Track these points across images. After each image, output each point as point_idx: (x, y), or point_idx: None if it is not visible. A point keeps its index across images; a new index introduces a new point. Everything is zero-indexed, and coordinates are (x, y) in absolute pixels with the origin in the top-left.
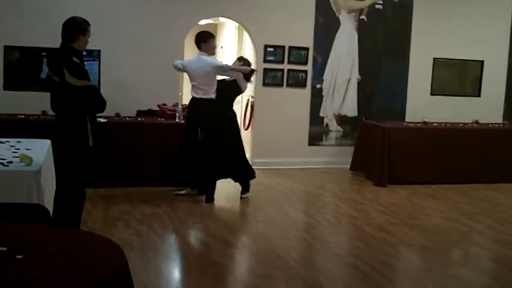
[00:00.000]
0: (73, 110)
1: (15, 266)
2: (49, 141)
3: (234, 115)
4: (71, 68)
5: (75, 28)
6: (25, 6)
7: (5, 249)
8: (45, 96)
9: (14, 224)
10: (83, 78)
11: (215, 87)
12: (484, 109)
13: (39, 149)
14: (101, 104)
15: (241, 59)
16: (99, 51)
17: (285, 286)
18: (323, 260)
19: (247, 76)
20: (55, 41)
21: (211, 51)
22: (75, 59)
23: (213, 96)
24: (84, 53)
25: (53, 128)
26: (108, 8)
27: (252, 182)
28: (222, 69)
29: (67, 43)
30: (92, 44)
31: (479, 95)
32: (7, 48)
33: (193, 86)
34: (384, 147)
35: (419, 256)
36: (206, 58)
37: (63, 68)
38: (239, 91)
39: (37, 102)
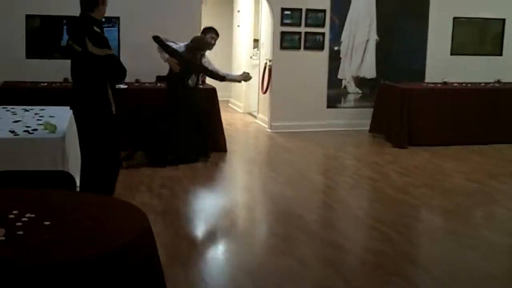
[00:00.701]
0: (95, 79)
1: (44, 233)
2: (69, 108)
3: None
4: (93, 37)
5: None
6: None
7: (33, 215)
8: (67, 64)
9: (41, 190)
10: (104, 47)
11: None
12: (506, 68)
13: (62, 117)
14: (122, 72)
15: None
16: (118, 18)
17: (305, 247)
18: (343, 221)
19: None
20: (75, 9)
21: None
22: (96, 29)
23: None
24: (103, 20)
25: (73, 97)
26: None
27: (271, 144)
28: None
29: (87, 12)
30: (111, 11)
31: (500, 54)
32: (28, 17)
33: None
34: (403, 108)
35: (440, 218)
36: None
37: (85, 37)
38: None
39: (59, 70)
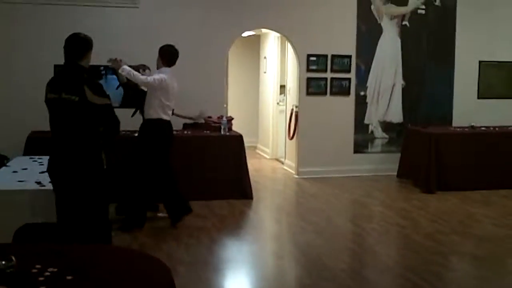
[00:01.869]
0: (90, 131)
1: (66, 287)
2: None
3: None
4: (93, 85)
5: (84, 44)
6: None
7: (55, 270)
8: None
9: (64, 244)
10: (104, 96)
11: None
12: None
13: None
14: (117, 124)
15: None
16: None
17: None
18: (371, 270)
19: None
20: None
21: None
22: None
23: None
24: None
25: (57, 154)
26: (152, 22)
27: (298, 191)
28: None
29: (75, 61)
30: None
31: None
32: (56, 67)
33: (166, 106)
34: (431, 152)
35: (470, 266)
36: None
37: (84, 86)
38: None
39: None
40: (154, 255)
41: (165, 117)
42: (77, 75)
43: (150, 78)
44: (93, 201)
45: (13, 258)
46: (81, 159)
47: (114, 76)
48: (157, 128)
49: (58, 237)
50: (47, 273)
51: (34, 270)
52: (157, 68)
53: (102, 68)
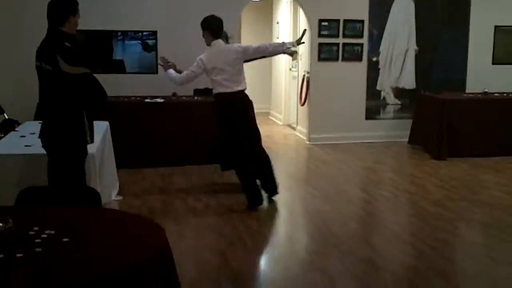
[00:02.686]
0: (68, 103)
1: (61, 249)
2: (107, 123)
3: None
4: (65, 54)
5: (65, 8)
6: None
7: (53, 232)
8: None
9: (63, 207)
10: (79, 65)
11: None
12: None
13: (97, 132)
14: (101, 94)
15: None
16: (155, 31)
17: (339, 263)
18: (378, 237)
19: None
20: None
21: (226, 38)
22: (68, 44)
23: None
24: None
25: (42, 126)
26: None
27: (309, 157)
28: (250, 49)
29: (56, 27)
30: (149, 25)
31: None
32: None
33: (223, 80)
34: (442, 119)
35: (478, 233)
36: (229, 45)
37: (56, 54)
38: None
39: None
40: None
41: (220, 90)
42: (54, 43)
43: (186, 73)
44: (72, 169)
45: (10, 220)
46: (61, 132)
47: (134, 42)
48: (218, 103)
49: (57, 200)
50: (44, 235)
51: (32, 232)
52: (207, 44)
53: (119, 33)
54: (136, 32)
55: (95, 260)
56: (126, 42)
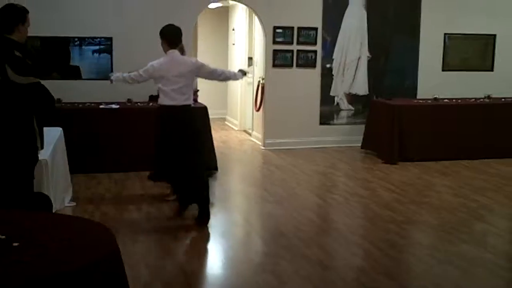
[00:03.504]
0: (18, 112)
1: (11, 253)
2: (60, 129)
3: None
4: (14, 63)
5: (14, 16)
6: None
7: (3, 237)
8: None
9: (14, 212)
10: (28, 75)
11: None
12: (497, 83)
13: (50, 138)
14: (50, 102)
15: None
16: (111, 38)
17: (288, 264)
18: (327, 239)
19: None
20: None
21: (182, 50)
22: (18, 53)
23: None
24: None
25: None
26: None
27: (263, 162)
28: (205, 69)
29: (5, 35)
30: (104, 31)
31: (492, 69)
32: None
33: (166, 91)
34: (394, 124)
35: (424, 234)
36: (185, 57)
37: (5, 64)
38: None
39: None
40: (113, 224)
41: (166, 102)
42: (2, 52)
43: (134, 73)
44: (22, 175)
45: None
46: (11, 138)
47: (91, 48)
48: (160, 115)
49: (7, 205)
50: None
51: None
52: (165, 52)
53: (76, 39)
54: (93, 38)
55: (44, 263)
56: (83, 47)
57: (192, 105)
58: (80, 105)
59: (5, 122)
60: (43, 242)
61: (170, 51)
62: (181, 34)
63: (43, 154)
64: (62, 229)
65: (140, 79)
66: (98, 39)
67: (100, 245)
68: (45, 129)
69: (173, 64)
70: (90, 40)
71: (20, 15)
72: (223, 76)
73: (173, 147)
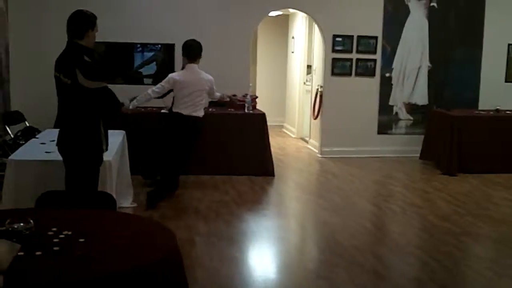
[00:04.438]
0: (86, 115)
1: (78, 249)
2: (123, 132)
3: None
4: (84, 68)
5: (84, 22)
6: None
7: (70, 233)
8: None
9: (80, 210)
10: (97, 80)
11: None
12: None
13: (114, 140)
14: (116, 106)
15: None
16: (173, 44)
17: (343, 272)
18: (383, 248)
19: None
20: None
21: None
22: (87, 58)
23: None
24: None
25: (60, 135)
26: (182, 2)
27: (320, 170)
28: (212, 89)
29: (75, 40)
30: (166, 38)
31: None
32: None
33: (186, 102)
34: (453, 135)
35: (482, 247)
36: (203, 72)
37: (75, 69)
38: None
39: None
40: (172, 226)
41: (183, 111)
42: (73, 57)
43: (156, 86)
44: (88, 176)
45: (31, 221)
46: (78, 139)
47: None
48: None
49: (74, 204)
50: (62, 236)
51: (50, 233)
52: (183, 66)
53: (138, 45)
54: (154, 44)
55: (108, 259)
56: (145, 53)
57: (251, 112)
58: (143, 109)
59: (74, 124)
60: (107, 239)
61: (189, 65)
62: (197, 48)
63: (107, 155)
64: (125, 227)
65: (163, 91)
66: (159, 45)
67: (162, 244)
68: (110, 131)
69: (193, 77)
70: (152, 47)
71: (89, 21)
72: (215, 97)
73: (175, 146)
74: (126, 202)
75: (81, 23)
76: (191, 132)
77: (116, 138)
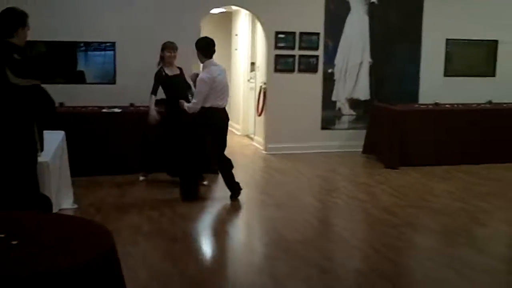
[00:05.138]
0: (18, 114)
1: (10, 251)
2: (63, 132)
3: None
4: (13, 66)
5: (14, 20)
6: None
7: (3, 235)
8: (66, 88)
9: (14, 212)
10: (27, 77)
11: None
12: (498, 89)
13: (52, 141)
14: (50, 105)
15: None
16: (114, 42)
17: (284, 266)
18: (326, 242)
19: None
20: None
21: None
22: (17, 56)
23: None
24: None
25: None
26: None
27: (264, 166)
28: None
29: (5, 39)
30: (107, 36)
31: (493, 75)
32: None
33: (220, 97)
34: (395, 129)
35: (423, 237)
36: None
37: (5, 67)
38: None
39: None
40: (113, 226)
41: (216, 104)
42: (2, 55)
43: (197, 98)
44: (22, 177)
45: None
46: (11, 140)
47: (97, 53)
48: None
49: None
50: None
51: None
52: (201, 63)
53: (82, 44)
54: (98, 43)
55: (41, 261)
56: (88, 52)
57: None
58: (83, 109)
59: (5, 124)
60: (41, 240)
61: (208, 61)
62: (210, 44)
63: (44, 157)
64: (60, 228)
65: (205, 96)
66: (103, 44)
67: (97, 243)
68: (48, 132)
69: (217, 72)
70: (96, 45)
71: (20, 19)
72: None
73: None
74: (66, 204)
75: (11, 21)
76: (226, 122)
77: (54, 139)
